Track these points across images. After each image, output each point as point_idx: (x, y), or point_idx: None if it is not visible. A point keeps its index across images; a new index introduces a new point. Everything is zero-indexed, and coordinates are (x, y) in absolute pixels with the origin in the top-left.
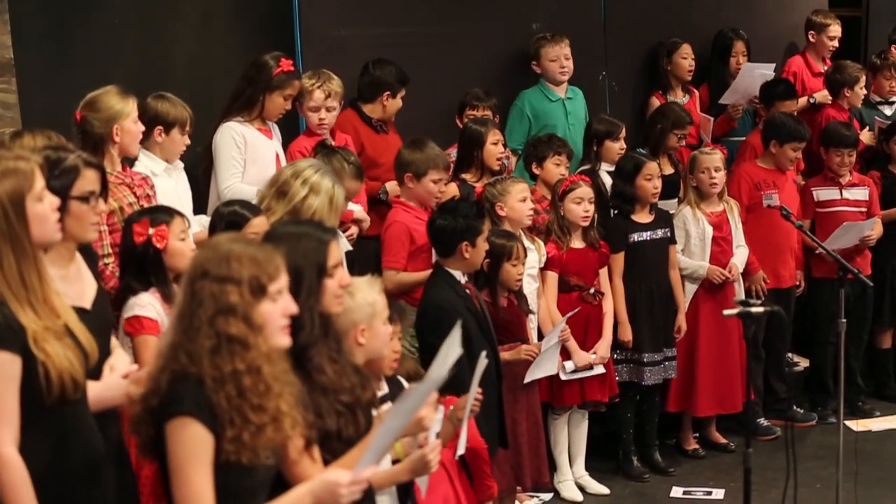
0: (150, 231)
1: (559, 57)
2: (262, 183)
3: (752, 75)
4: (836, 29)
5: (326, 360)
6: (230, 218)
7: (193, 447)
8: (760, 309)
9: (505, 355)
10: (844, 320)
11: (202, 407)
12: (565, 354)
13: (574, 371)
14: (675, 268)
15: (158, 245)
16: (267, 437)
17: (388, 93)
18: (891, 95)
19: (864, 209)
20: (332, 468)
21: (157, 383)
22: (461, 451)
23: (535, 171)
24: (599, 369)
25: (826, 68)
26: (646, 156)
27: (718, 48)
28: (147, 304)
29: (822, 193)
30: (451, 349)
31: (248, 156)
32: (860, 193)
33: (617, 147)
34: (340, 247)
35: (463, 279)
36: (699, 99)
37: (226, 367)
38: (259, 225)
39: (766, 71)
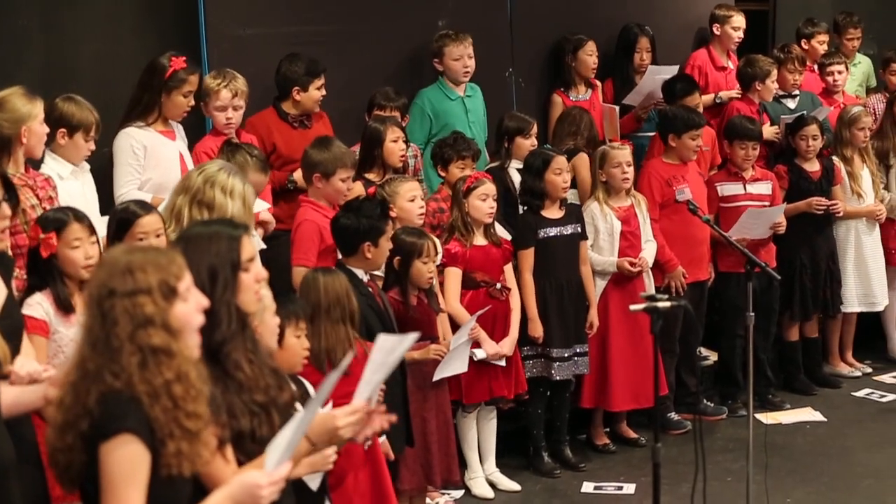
0: (40, 237)
1: (463, 56)
2: (167, 185)
3: (655, 79)
4: (739, 21)
5: (244, 357)
6: (121, 215)
7: (131, 466)
8: (667, 303)
9: (414, 354)
10: (752, 314)
11: (142, 423)
12: (475, 343)
13: (483, 359)
14: (587, 263)
15: (43, 253)
16: (203, 442)
17: (296, 88)
18: (794, 89)
19: (767, 203)
20: (247, 468)
21: (84, 406)
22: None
23: (441, 173)
24: (501, 362)
25: (730, 62)
26: (554, 150)
27: (623, 44)
28: (35, 304)
29: (726, 188)
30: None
31: (148, 162)
32: (763, 188)
33: (528, 144)
34: (254, 243)
35: (365, 278)
36: (603, 94)
37: (156, 380)
38: (148, 224)
39: (669, 75)
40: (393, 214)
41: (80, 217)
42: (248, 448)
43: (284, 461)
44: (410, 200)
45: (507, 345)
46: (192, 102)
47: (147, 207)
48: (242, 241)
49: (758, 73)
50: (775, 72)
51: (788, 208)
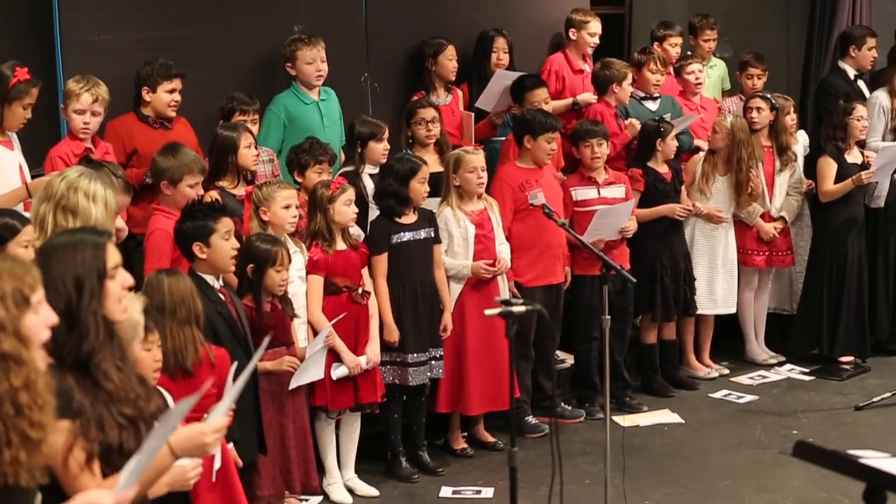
0: None
1: (315, 60)
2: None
3: (504, 82)
4: (595, 26)
5: (112, 367)
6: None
7: None
8: (522, 308)
9: (267, 366)
10: (609, 317)
11: None
12: (335, 356)
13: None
14: (441, 267)
15: None
16: (43, 454)
17: (145, 88)
18: (655, 91)
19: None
20: (106, 483)
21: None
22: (218, 464)
23: (298, 178)
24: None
25: (586, 66)
26: (420, 159)
27: (480, 47)
28: None
29: (580, 193)
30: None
31: None
32: (616, 191)
33: (381, 148)
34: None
35: (217, 284)
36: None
37: (2, 386)
38: (31, 232)
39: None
40: (266, 218)
41: None
42: (116, 461)
43: (132, 483)
44: (285, 207)
45: (373, 350)
46: (30, 115)
47: (22, 218)
48: (107, 249)
49: (614, 76)
50: (631, 74)
51: (648, 212)
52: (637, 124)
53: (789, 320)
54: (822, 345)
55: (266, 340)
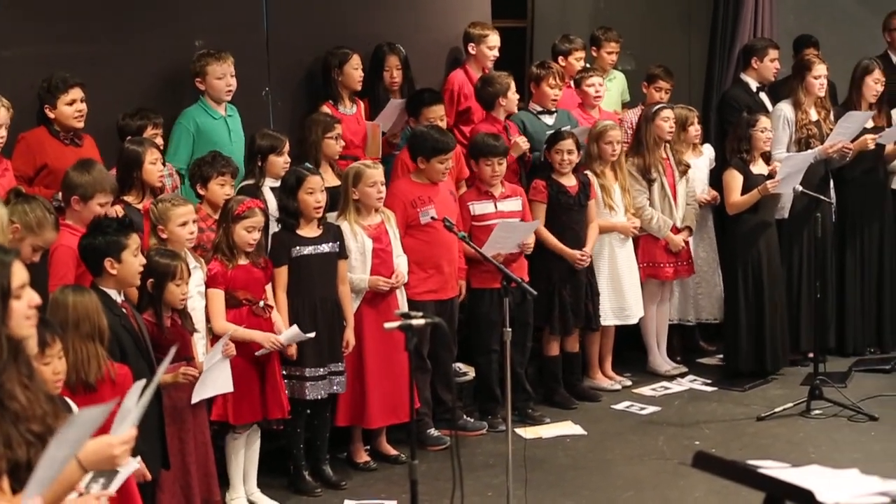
0: None
1: (225, 75)
2: None
3: (398, 108)
4: (494, 39)
5: (18, 386)
6: None
7: None
8: (421, 321)
9: (167, 378)
10: (510, 329)
11: None
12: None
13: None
14: (345, 282)
15: None
16: None
17: (46, 106)
18: (553, 105)
19: (517, 220)
20: (14, 500)
21: None
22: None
23: (200, 191)
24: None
25: None
26: (310, 169)
27: (374, 62)
28: None
29: (478, 207)
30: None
31: None
32: (513, 205)
33: (281, 161)
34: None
35: (119, 298)
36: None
37: None
38: None
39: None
40: (164, 236)
41: None
42: (24, 478)
43: (35, 496)
44: (181, 225)
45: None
46: None
47: None
48: (13, 268)
49: (498, 90)
50: (513, 83)
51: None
52: (523, 144)
53: (691, 331)
54: (744, 358)
55: (172, 352)
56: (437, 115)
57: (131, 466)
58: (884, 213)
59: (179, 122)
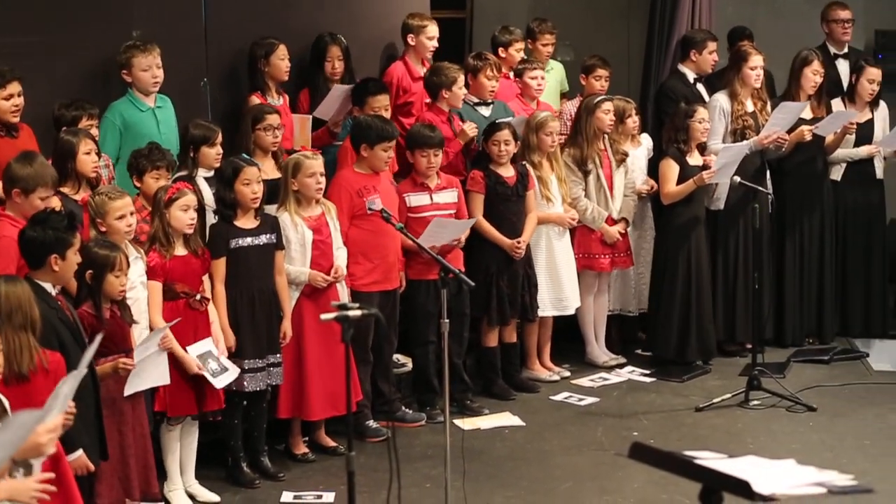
0: None
1: (151, 66)
2: None
3: (341, 94)
4: (433, 30)
5: None
6: None
7: None
8: (358, 312)
9: (107, 367)
10: (447, 320)
11: None
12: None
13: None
14: (282, 274)
15: None
16: None
17: None
18: (490, 97)
19: (453, 212)
20: None
21: None
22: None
23: (137, 183)
24: (229, 377)
25: (426, 70)
26: (246, 161)
27: (315, 53)
28: None
29: (414, 199)
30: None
31: None
32: (449, 196)
33: (213, 153)
34: None
35: (54, 291)
36: (300, 104)
37: None
38: None
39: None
40: (103, 229)
41: None
42: None
43: None
44: (119, 218)
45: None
46: None
47: None
48: None
49: (444, 81)
50: (462, 78)
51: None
52: (470, 130)
53: (631, 322)
54: (669, 347)
55: (97, 340)
56: (382, 104)
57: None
58: (823, 204)
59: (105, 116)
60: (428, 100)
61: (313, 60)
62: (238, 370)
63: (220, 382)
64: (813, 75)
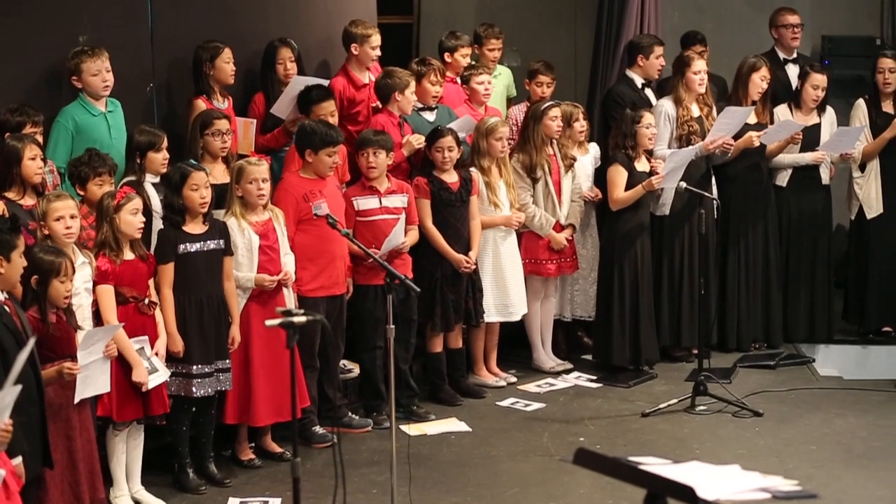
0: None
1: (101, 71)
2: None
3: (299, 89)
4: (377, 38)
5: None
6: None
7: None
8: (303, 318)
9: (48, 373)
10: (393, 326)
11: None
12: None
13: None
14: (231, 279)
15: None
16: None
17: None
18: (434, 102)
19: (402, 216)
20: None
21: None
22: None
23: (80, 191)
24: (158, 379)
25: (371, 76)
26: (194, 166)
27: (266, 57)
28: None
29: (362, 202)
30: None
31: None
32: (399, 201)
33: (160, 158)
34: None
35: (1, 296)
36: (256, 108)
37: None
38: None
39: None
40: (45, 232)
41: None
42: None
43: None
44: (57, 220)
45: (161, 349)
46: None
47: None
48: None
49: (396, 85)
50: (413, 83)
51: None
52: (414, 142)
53: (568, 327)
54: (615, 352)
55: (30, 343)
56: (328, 111)
57: None
58: (767, 210)
59: (58, 121)
60: (375, 104)
61: (265, 64)
62: (168, 373)
63: (150, 383)
64: (761, 81)
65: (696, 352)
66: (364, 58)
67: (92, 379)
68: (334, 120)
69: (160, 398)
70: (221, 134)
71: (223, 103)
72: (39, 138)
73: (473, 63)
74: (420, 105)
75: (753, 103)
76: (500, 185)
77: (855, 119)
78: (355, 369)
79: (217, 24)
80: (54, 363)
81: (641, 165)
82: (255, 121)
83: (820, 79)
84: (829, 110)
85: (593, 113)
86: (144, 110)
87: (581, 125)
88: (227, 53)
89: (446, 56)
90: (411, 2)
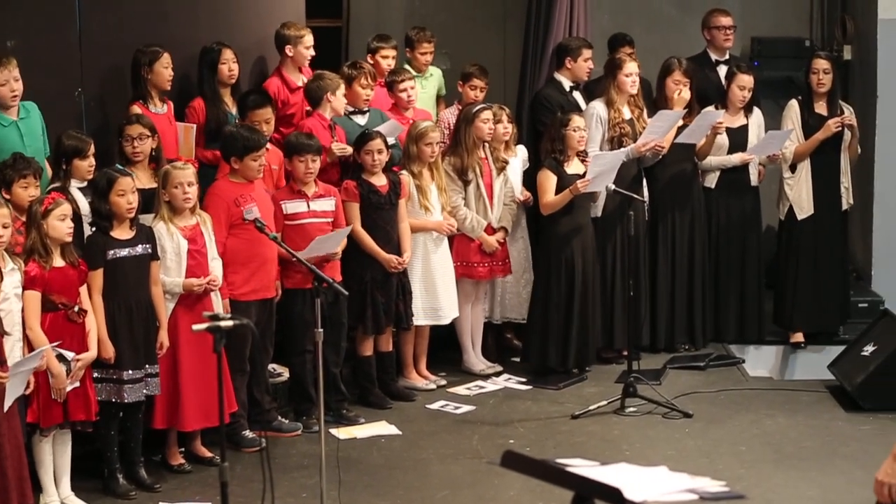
0: None
1: (8, 80)
2: None
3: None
4: (310, 39)
5: None
6: None
7: None
8: (230, 322)
9: None
10: (321, 329)
11: None
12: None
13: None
14: (158, 284)
15: None
16: None
17: None
18: (365, 105)
19: (330, 220)
20: None
21: None
22: None
23: (5, 195)
24: (74, 384)
25: (304, 78)
26: (121, 171)
27: (207, 61)
28: None
29: (290, 206)
30: None
31: None
32: (327, 204)
33: (86, 165)
34: None
35: None
36: (195, 112)
37: None
38: None
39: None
40: None
41: None
42: None
43: None
44: None
45: (81, 364)
46: None
47: None
48: None
49: (327, 87)
50: (343, 85)
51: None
52: (337, 151)
53: (498, 329)
54: (546, 355)
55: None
56: (264, 117)
57: None
58: (694, 210)
59: None
60: (308, 108)
61: (205, 67)
62: (77, 384)
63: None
64: (674, 84)
65: (626, 353)
66: (299, 58)
67: (17, 380)
68: (270, 126)
69: (86, 402)
70: (132, 139)
71: (162, 108)
72: None
73: (395, 68)
74: (351, 108)
75: (671, 106)
76: (432, 188)
77: (787, 119)
78: (285, 373)
79: (146, 29)
80: None
81: (572, 168)
82: (194, 126)
83: (746, 79)
84: (757, 111)
85: (522, 116)
86: (72, 116)
87: (505, 127)
88: (166, 58)
89: (369, 57)
90: (340, 5)
